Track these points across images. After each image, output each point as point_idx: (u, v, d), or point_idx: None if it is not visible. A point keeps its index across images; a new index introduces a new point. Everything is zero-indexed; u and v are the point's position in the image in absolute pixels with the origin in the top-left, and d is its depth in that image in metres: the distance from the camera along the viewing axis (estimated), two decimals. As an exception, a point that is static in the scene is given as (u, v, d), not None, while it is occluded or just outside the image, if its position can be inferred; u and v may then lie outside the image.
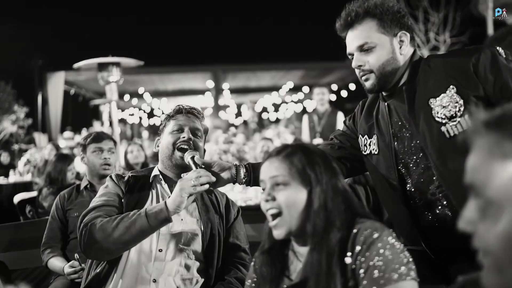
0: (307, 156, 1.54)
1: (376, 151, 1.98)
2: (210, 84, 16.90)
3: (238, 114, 24.48)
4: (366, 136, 2.04)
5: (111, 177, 2.29)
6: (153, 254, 2.09)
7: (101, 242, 1.97)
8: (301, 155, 1.54)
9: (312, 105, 20.93)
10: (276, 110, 23.98)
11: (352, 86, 18.23)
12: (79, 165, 6.37)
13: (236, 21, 32.30)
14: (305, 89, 19.53)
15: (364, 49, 1.90)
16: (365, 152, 2.03)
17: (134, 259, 2.08)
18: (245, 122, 23.55)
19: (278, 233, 1.51)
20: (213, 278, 2.16)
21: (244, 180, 2.06)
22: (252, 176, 2.04)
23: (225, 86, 18.00)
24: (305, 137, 6.94)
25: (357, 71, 1.95)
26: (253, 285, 1.67)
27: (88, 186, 3.32)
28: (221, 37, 32.35)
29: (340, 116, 6.83)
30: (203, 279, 2.15)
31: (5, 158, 10.53)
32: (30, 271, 3.15)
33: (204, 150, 2.36)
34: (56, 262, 2.95)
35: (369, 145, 2.02)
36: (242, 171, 2.06)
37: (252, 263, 1.71)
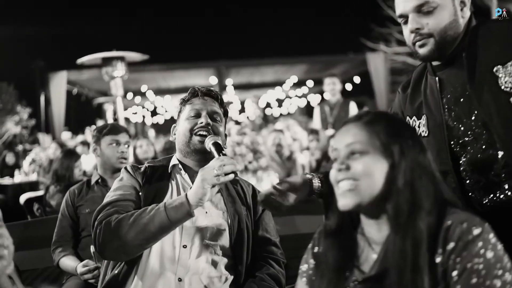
0: (392, 125, 1.34)
1: (425, 132, 1.80)
2: (213, 80, 16.75)
3: (242, 110, 24.34)
4: (414, 117, 1.86)
5: (126, 168, 2.12)
6: (177, 251, 1.91)
7: (117, 241, 1.80)
8: (386, 123, 1.33)
9: (316, 99, 20.82)
10: (280, 105, 23.82)
11: (356, 79, 18.06)
12: (85, 163, 6.26)
13: (238, 17, 32.16)
14: (309, 83, 19.37)
15: (423, 10, 1.69)
16: None
17: (156, 257, 1.91)
18: (248, 118, 23.44)
19: (346, 203, 1.29)
20: (243, 275, 1.99)
21: (318, 192, 1.75)
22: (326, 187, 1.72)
23: (229, 82, 17.85)
24: (317, 128, 6.81)
25: (411, 36, 1.75)
26: (310, 272, 1.45)
27: (99, 180, 3.17)
28: (223, 33, 32.24)
29: (353, 107, 6.69)
30: (232, 277, 1.98)
31: (10, 158, 10.48)
32: (41, 271, 3.03)
33: (226, 135, 2.19)
34: (68, 262, 2.82)
35: (418, 127, 1.83)
36: (316, 182, 1.75)
37: (310, 245, 1.50)
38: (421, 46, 1.73)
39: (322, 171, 1.84)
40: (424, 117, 1.81)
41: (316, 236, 1.50)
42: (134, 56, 5.93)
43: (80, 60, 5.90)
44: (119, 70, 5.77)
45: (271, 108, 24.11)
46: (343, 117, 6.45)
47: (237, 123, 19.40)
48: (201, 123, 2.02)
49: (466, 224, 1.20)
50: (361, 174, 1.28)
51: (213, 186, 1.78)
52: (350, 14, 25.18)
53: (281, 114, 23.47)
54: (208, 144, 1.95)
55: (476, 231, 1.18)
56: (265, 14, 31.63)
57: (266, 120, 20.61)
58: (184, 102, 2.15)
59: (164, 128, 25.87)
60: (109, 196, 2.00)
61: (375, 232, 1.34)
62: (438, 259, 1.20)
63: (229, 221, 2.00)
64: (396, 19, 1.86)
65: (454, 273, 1.17)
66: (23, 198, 5.39)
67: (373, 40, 18.43)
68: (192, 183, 1.90)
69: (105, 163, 3.19)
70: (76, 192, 3.11)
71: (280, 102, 23.70)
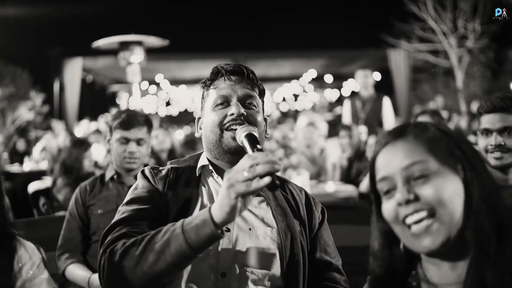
0: (445, 133, 1.11)
1: None
2: (230, 71, 16.48)
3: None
4: None
5: (143, 173, 1.69)
6: (213, 281, 1.49)
7: (124, 277, 1.37)
8: (438, 132, 1.10)
9: (334, 95, 20.43)
10: (296, 99, 23.47)
11: (376, 76, 17.66)
12: (97, 153, 5.94)
13: (255, 8, 31.78)
14: (327, 78, 19.01)
15: None
16: None
17: (188, 285, 1.49)
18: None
19: (430, 244, 1.01)
20: None
21: None
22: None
23: (245, 74, 17.57)
24: (347, 123, 6.43)
25: None
26: None
27: (114, 177, 2.78)
28: (241, 24, 31.89)
29: (387, 102, 6.31)
30: None
31: (21, 145, 10.29)
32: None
33: (266, 119, 1.74)
34: (76, 271, 2.46)
35: None
36: None
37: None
38: None
39: None
40: None
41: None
42: (153, 41, 5.58)
43: (96, 44, 5.57)
44: (137, 55, 5.43)
45: (286, 102, 23.78)
46: (376, 113, 6.10)
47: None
48: (232, 114, 1.59)
49: None
50: (437, 201, 1.02)
51: (244, 195, 1.31)
52: (372, 9, 24.72)
53: (296, 110, 23.15)
54: (240, 136, 1.52)
55: None
56: (284, 6, 31.19)
57: (284, 114, 20.38)
58: (206, 85, 1.72)
59: (178, 119, 25.74)
60: (120, 212, 1.58)
61: (449, 272, 1.06)
62: None
63: (280, 240, 1.57)
64: (418, 15, 1.58)
65: None
66: (31, 188, 5.09)
67: (394, 36, 18.08)
68: None
69: (115, 159, 2.80)
70: (88, 189, 2.74)
71: (296, 97, 23.34)
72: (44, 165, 7.80)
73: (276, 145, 4.24)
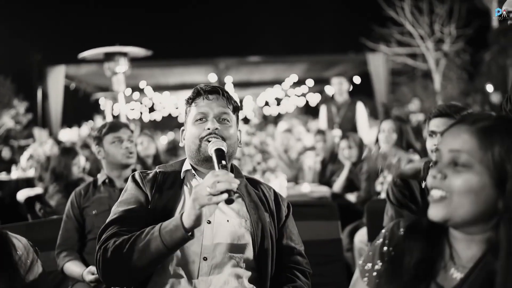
0: (509, 138, 1.15)
1: None
2: (213, 77, 16.61)
3: (240, 108, 24.17)
4: None
5: (133, 177, 1.94)
6: (197, 264, 1.76)
7: (115, 270, 1.69)
8: (505, 135, 1.15)
9: (315, 99, 20.72)
10: (279, 104, 23.68)
11: (356, 79, 18.00)
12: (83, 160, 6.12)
13: (237, 14, 31.98)
14: (309, 82, 19.28)
15: None
16: None
17: (174, 271, 1.76)
18: (246, 117, 23.36)
19: (434, 214, 1.18)
20: (267, 286, 1.84)
21: None
22: None
23: (228, 79, 17.73)
24: (323, 128, 6.71)
25: None
26: (375, 273, 1.30)
27: (106, 181, 3.04)
28: (223, 30, 32.08)
29: (360, 107, 6.59)
30: None
31: (6, 153, 10.32)
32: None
33: (240, 131, 2.04)
34: (73, 267, 2.69)
35: None
36: None
37: (379, 243, 1.35)
38: None
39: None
40: None
41: (387, 234, 1.34)
42: (137, 51, 5.79)
43: (81, 55, 5.75)
44: (122, 65, 5.63)
45: (269, 106, 23.98)
46: (350, 117, 6.38)
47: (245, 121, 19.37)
48: (208, 129, 1.86)
49: None
50: (457, 191, 1.15)
51: (203, 206, 1.57)
52: (351, 14, 25.10)
53: (279, 114, 23.37)
54: (211, 150, 1.78)
55: None
56: (265, 12, 31.47)
57: (265, 118, 20.55)
58: (188, 102, 2.00)
59: (162, 125, 25.76)
60: (112, 213, 1.84)
61: (463, 249, 1.21)
62: None
63: (253, 230, 1.84)
64: (396, 19, 1.82)
65: None
66: (20, 195, 5.25)
67: (373, 41, 18.41)
68: None
69: (111, 162, 3.06)
70: (82, 193, 2.98)
71: (279, 101, 23.56)
72: (31, 173, 7.90)
73: (255, 150, 4.50)
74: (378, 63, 14.73)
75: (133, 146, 3.09)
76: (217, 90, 1.97)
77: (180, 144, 2.06)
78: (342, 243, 3.29)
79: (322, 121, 6.85)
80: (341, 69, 18.23)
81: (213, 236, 1.80)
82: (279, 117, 22.70)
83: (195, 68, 17.01)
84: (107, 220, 1.82)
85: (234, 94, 16.97)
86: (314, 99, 21.05)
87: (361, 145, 5.06)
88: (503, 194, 1.12)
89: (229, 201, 1.56)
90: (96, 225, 2.76)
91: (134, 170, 2.95)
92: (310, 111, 20.40)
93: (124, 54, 5.62)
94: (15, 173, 8.32)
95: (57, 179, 4.17)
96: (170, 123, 26.37)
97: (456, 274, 1.20)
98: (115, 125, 3.09)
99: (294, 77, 18.63)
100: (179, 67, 16.82)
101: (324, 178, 5.46)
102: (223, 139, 1.86)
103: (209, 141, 1.85)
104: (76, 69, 14.35)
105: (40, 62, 16.68)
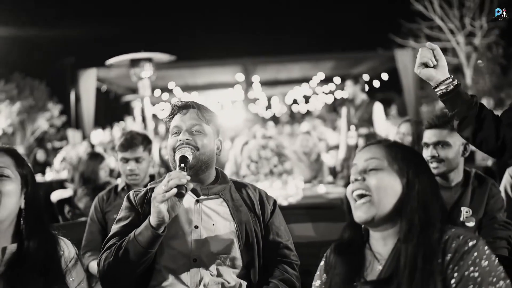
0: (409, 152, 1.53)
1: None
2: (240, 77, 16.77)
3: (268, 106, 24.31)
4: None
5: (128, 197, 2.16)
6: (187, 266, 1.95)
7: (110, 277, 1.94)
8: (403, 149, 1.54)
9: (343, 96, 20.65)
10: (307, 101, 23.69)
11: (384, 76, 17.85)
12: (113, 161, 6.35)
13: (264, 13, 32.07)
14: (336, 79, 19.23)
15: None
16: None
17: (169, 271, 1.97)
18: (274, 116, 23.48)
19: (361, 215, 1.44)
20: (256, 280, 2.03)
21: None
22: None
23: (255, 79, 17.85)
24: (343, 129, 6.75)
25: None
26: (323, 286, 1.59)
27: (125, 187, 3.25)
28: (250, 30, 32.22)
29: (378, 107, 6.60)
30: (246, 283, 2.03)
31: (40, 155, 10.70)
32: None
33: (221, 141, 2.21)
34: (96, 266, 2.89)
35: None
36: None
37: (323, 262, 1.64)
38: None
39: None
40: None
41: (326, 253, 1.63)
42: (161, 57, 5.97)
43: (108, 62, 5.98)
44: (147, 71, 5.82)
45: (298, 104, 24.01)
46: (366, 119, 6.41)
47: (264, 119, 19.38)
48: (180, 140, 2.03)
49: (462, 238, 1.35)
50: (374, 188, 1.43)
51: (164, 202, 1.78)
52: (379, 10, 24.86)
53: (308, 111, 23.38)
54: (176, 156, 1.98)
55: (471, 243, 1.33)
56: (291, 10, 31.45)
57: (293, 117, 20.59)
58: (168, 118, 2.18)
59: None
60: (112, 229, 2.08)
61: (381, 247, 1.48)
62: (439, 268, 1.34)
63: (237, 230, 2.03)
64: (425, 14, 1.93)
65: (453, 281, 1.31)
66: (54, 197, 5.52)
67: (402, 36, 18.22)
68: (193, 197, 2.01)
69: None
70: (104, 198, 3.21)
71: (307, 99, 23.57)
72: (64, 175, 8.23)
73: (272, 153, 4.61)
74: (406, 59, 14.52)
75: (142, 165, 3.21)
76: (188, 105, 2.13)
77: (165, 156, 2.26)
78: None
79: (343, 123, 6.90)
80: (369, 66, 18.13)
81: (201, 239, 1.98)
82: (308, 114, 22.74)
83: (222, 68, 17.16)
84: (110, 234, 2.06)
85: (262, 93, 17.09)
86: (342, 96, 20.98)
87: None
88: (407, 191, 1.43)
89: (179, 195, 1.77)
90: None
91: (151, 176, 3.35)
92: (338, 109, 20.39)
93: (149, 60, 5.82)
94: (49, 175, 8.67)
95: (85, 183, 4.41)
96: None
97: (379, 267, 1.46)
98: (125, 145, 3.20)
99: (321, 75, 18.60)
100: (207, 68, 16.99)
101: (345, 178, 5.53)
102: (197, 148, 2.03)
103: None
104: (106, 72, 14.66)
105: (73, 65, 17.17)
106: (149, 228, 1.82)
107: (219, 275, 1.97)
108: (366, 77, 18.84)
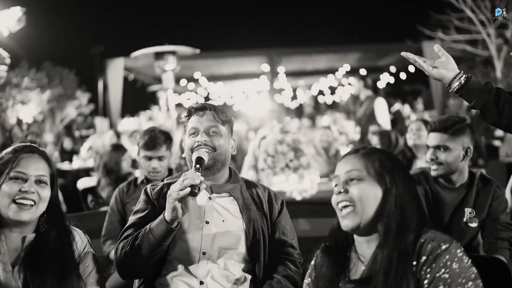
0: (386, 158, 1.60)
1: None
2: (266, 67, 16.80)
3: (294, 97, 24.29)
4: None
5: (145, 190, 2.29)
6: (197, 257, 2.08)
7: (126, 265, 2.06)
8: (380, 155, 1.60)
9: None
10: (333, 93, 23.56)
11: (411, 68, 17.62)
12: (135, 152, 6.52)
13: (290, 4, 31.91)
14: (362, 71, 19.09)
15: None
16: None
17: (178, 264, 2.10)
18: (301, 106, 23.45)
19: (347, 224, 1.53)
20: (261, 275, 2.15)
21: None
22: None
23: (281, 69, 17.86)
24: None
25: None
26: (311, 284, 1.70)
27: (144, 181, 3.38)
28: (276, 20, 32.11)
29: (380, 102, 6.59)
30: (250, 276, 2.16)
31: (68, 143, 10.97)
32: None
33: (235, 140, 2.32)
34: None
35: None
36: None
37: (313, 262, 1.74)
38: None
39: None
40: None
41: (315, 254, 1.73)
42: (185, 50, 6.09)
43: (133, 55, 6.13)
44: (171, 63, 5.95)
45: (324, 95, 23.91)
46: (367, 115, 6.44)
47: (289, 110, 19.31)
48: (198, 142, 2.14)
49: (436, 241, 1.43)
50: (357, 198, 1.52)
51: (178, 200, 1.89)
52: (407, 1, 24.46)
53: (334, 102, 23.26)
54: (193, 157, 2.09)
55: (444, 247, 1.41)
56: (318, 1, 31.20)
57: (318, 108, 20.54)
58: (186, 119, 2.28)
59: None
60: (129, 220, 2.22)
61: (365, 249, 1.57)
62: (413, 269, 1.43)
63: (245, 227, 2.15)
64: (455, 5, 2.02)
65: (426, 281, 1.40)
66: (80, 184, 5.73)
67: (430, 28, 17.90)
68: (206, 194, 2.12)
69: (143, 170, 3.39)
70: (124, 190, 3.36)
71: (333, 90, 23.44)
72: (90, 163, 8.45)
73: (288, 148, 4.68)
74: (434, 51, 14.29)
75: (164, 163, 3.34)
76: (205, 107, 2.24)
77: (183, 155, 2.34)
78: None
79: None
80: (396, 57, 17.93)
81: (211, 234, 2.10)
82: (333, 105, 22.63)
83: (248, 59, 17.21)
84: (127, 224, 2.20)
85: (287, 83, 17.05)
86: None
87: (389, 141, 5.03)
88: (385, 197, 1.52)
89: (192, 193, 1.90)
90: None
91: (170, 170, 3.49)
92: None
93: (173, 53, 5.94)
94: (76, 163, 8.92)
95: (108, 173, 4.58)
96: (226, 112, 26.88)
97: (363, 267, 1.57)
98: (148, 144, 3.30)
99: (346, 67, 18.49)
100: (232, 58, 17.07)
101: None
102: (214, 148, 2.15)
103: None
104: (133, 61, 14.83)
105: (101, 54, 17.45)
106: (163, 223, 1.95)
107: (225, 268, 2.09)
108: (393, 69, 18.64)
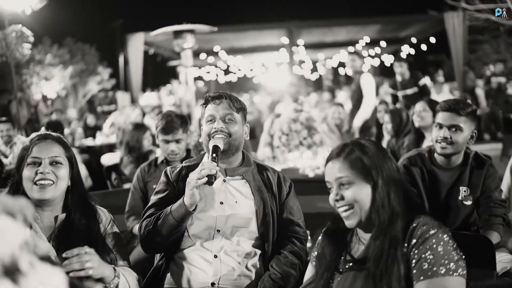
0: (364, 152, 1.70)
1: None
2: (285, 40, 16.74)
3: (314, 69, 24.17)
4: None
5: (165, 172, 2.48)
6: (212, 234, 2.29)
7: (149, 241, 2.27)
8: (358, 152, 1.70)
9: (389, 60, 20.27)
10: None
11: (432, 39, 17.37)
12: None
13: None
14: (383, 43, 18.87)
15: None
16: None
17: (195, 240, 2.31)
18: (320, 78, 23.31)
19: (350, 223, 1.69)
20: (269, 251, 2.35)
21: None
22: None
23: (300, 42, 17.78)
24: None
25: None
26: (315, 260, 1.88)
27: (164, 161, 3.57)
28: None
29: (365, 79, 6.57)
30: (260, 251, 2.35)
31: (91, 120, 11.22)
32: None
33: (248, 127, 2.49)
34: None
35: None
36: None
37: (320, 238, 1.90)
38: None
39: None
40: None
41: (320, 232, 1.90)
42: (203, 28, 6.20)
43: (153, 33, 6.27)
44: (189, 42, 6.08)
45: (344, 67, 23.70)
46: (354, 91, 6.46)
47: (309, 82, 19.17)
48: (215, 128, 2.31)
49: (427, 226, 1.59)
50: (353, 200, 1.67)
51: (195, 187, 2.08)
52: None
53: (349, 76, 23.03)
54: (210, 145, 2.25)
55: (432, 231, 1.57)
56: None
57: (337, 81, 20.42)
58: (203, 107, 2.45)
59: (237, 86, 26.31)
60: (151, 200, 2.44)
61: (364, 233, 1.75)
62: (404, 251, 1.59)
63: (256, 208, 2.34)
64: None
65: (413, 261, 1.56)
66: (104, 159, 5.96)
67: (453, -3, 17.48)
68: (221, 177, 2.31)
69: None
70: (146, 170, 3.57)
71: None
72: (113, 139, 8.68)
73: (301, 126, 4.80)
74: (455, 21, 13.99)
75: (181, 145, 3.53)
76: (221, 96, 2.39)
77: (200, 139, 2.62)
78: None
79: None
80: (417, 28, 17.67)
81: (225, 214, 2.31)
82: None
83: (267, 31, 17.14)
84: (149, 204, 2.41)
85: (306, 56, 16.91)
86: (388, 59, 20.58)
87: (401, 120, 4.99)
88: (374, 191, 1.66)
89: (209, 183, 2.08)
90: None
91: (188, 150, 3.69)
92: (385, 72, 20.05)
93: (191, 31, 6.06)
94: (100, 139, 9.18)
95: (130, 152, 4.78)
96: (246, 84, 26.95)
97: (362, 247, 1.74)
98: (166, 129, 3.49)
99: (366, 39, 18.30)
100: (251, 31, 17.02)
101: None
102: (230, 134, 2.31)
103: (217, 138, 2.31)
104: (153, 36, 14.93)
105: (121, 29, 17.56)
106: (183, 206, 2.15)
107: (238, 244, 2.30)
108: (413, 40, 18.37)
